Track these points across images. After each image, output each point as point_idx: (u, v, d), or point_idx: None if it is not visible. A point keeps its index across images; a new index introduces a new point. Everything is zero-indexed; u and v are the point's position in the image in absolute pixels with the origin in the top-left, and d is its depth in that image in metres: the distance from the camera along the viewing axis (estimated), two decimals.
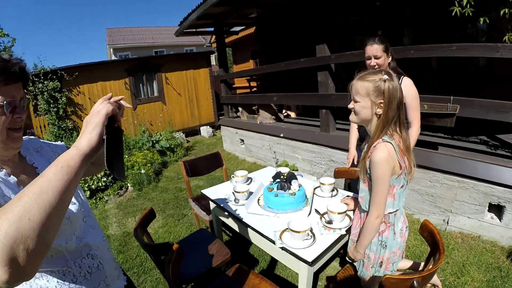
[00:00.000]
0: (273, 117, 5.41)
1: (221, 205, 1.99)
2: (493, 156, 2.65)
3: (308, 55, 4.14)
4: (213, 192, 2.25)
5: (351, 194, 1.99)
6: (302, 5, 5.84)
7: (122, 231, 3.33)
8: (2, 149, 0.78)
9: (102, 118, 0.71)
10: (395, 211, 1.32)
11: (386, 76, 1.18)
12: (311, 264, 1.31)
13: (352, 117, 1.35)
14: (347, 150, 2.55)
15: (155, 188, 4.62)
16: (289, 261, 1.49)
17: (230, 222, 2.03)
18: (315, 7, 3.83)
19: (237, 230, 1.97)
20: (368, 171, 1.27)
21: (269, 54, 8.53)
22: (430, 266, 1.46)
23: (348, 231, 1.56)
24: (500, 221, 2.46)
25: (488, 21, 2.43)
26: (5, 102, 0.73)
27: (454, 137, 3.37)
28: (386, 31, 5.50)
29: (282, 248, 1.42)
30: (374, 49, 1.97)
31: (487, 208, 2.52)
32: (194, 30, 7.10)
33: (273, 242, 1.48)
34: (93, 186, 4.23)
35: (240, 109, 6.24)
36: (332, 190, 2.05)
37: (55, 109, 6.21)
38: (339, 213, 1.55)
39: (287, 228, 1.48)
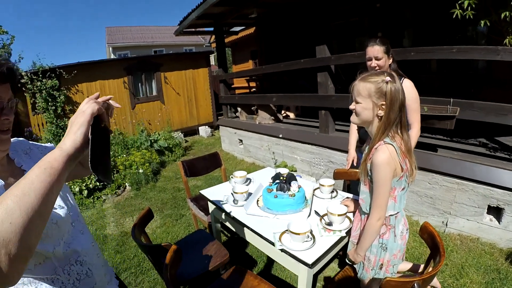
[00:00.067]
0: (272, 117, 5.40)
1: (220, 206, 1.98)
2: (493, 159, 2.65)
3: (308, 56, 4.14)
4: (212, 193, 2.24)
5: (350, 195, 1.98)
6: (302, 6, 5.84)
7: (119, 230, 3.31)
8: None
9: (87, 117, 0.69)
10: (396, 214, 1.31)
11: (388, 78, 1.17)
12: (311, 266, 1.30)
13: (353, 118, 1.34)
14: (346, 151, 2.54)
15: (153, 187, 4.60)
16: (289, 263, 1.48)
17: (228, 223, 2.02)
18: (315, 8, 3.83)
19: (236, 231, 1.96)
20: (369, 173, 1.26)
21: (269, 55, 8.53)
22: (430, 269, 1.45)
23: (348, 233, 1.55)
24: (499, 223, 2.46)
25: (488, 24, 2.43)
26: None
27: (453, 139, 3.37)
28: (386, 32, 5.51)
29: (282, 250, 1.41)
30: (375, 50, 1.97)
31: (486, 210, 2.52)
32: (193, 29, 7.09)
33: (273, 244, 1.47)
34: (90, 185, 4.20)
35: (239, 109, 6.23)
36: (332, 192, 2.04)
37: (53, 107, 6.17)
38: (339, 215, 1.54)
39: (286, 230, 1.47)
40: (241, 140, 5.91)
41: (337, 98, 3.71)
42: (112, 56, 21.87)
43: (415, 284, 1.13)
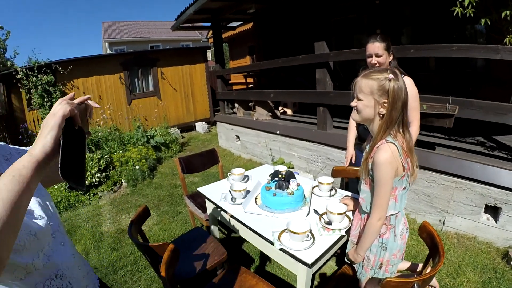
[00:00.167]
0: (270, 114, 5.38)
1: (218, 204, 1.95)
2: (490, 158, 2.65)
3: (306, 52, 4.11)
4: (209, 190, 2.21)
5: (350, 194, 1.97)
6: (301, 2, 5.80)
7: (116, 228, 3.28)
8: None
9: (58, 120, 0.65)
10: (396, 213, 1.30)
11: (391, 75, 1.15)
12: (311, 266, 1.28)
13: (354, 115, 1.32)
14: (344, 149, 2.53)
15: (149, 184, 4.57)
16: (287, 262, 1.47)
17: (226, 221, 1.99)
18: (314, 4, 3.79)
19: (234, 230, 1.94)
20: (371, 172, 1.24)
21: (267, 51, 8.47)
22: (429, 269, 1.45)
23: (348, 232, 1.54)
24: (496, 222, 2.47)
25: (489, 22, 2.42)
26: None
27: (451, 138, 3.37)
28: (384, 30, 5.49)
29: (281, 250, 1.40)
30: (376, 47, 1.94)
31: (483, 209, 2.53)
32: (190, 25, 7.01)
33: (272, 243, 1.45)
34: (86, 182, 4.16)
35: (236, 105, 6.19)
36: (331, 190, 2.03)
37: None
38: (338, 214, 1.53)
39: (286, 229, 1.45)
40: (238, 136, 5.89)
41: (336, 94, 3.69)
42: (109, 51, 21.64)
43: (415, 285, 1.12)
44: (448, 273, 2.23)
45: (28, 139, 5.62)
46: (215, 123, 7.29)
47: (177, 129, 7.55)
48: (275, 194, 1.78)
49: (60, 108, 0.67)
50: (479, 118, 2.50)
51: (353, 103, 1.30)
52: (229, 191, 2.00)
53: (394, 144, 1.17)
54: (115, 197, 4.21)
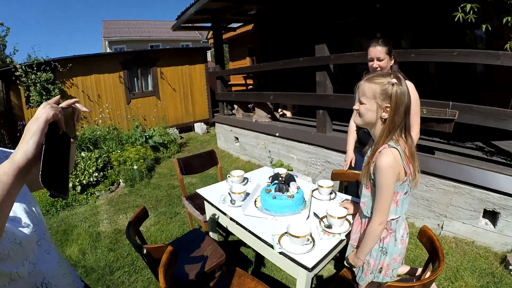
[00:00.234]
0: (269, 116, 5.37)
1: (217, 206, 1.94)
2: (489, 163, 2.66)
3: (306, 54, 4.11)
4: (208, 192, 2.20)
5: (349, 197, 1.96)
6: (302, 4, 5.81)
7: (113, 228, 3.26)
8: None
9: (40, 125, 0.64)
10: (397, 218, 1.29)
11: (395, 80, 1.15)
12: (311, 270, 1.28)
13: (356, 118, 1.32)
14: (343, 152, 2.53)
15: (147, 184, 4.55)
16: (287, 266, 1.46)
17: (225, 223, 1.98)
18: (315, 7, 3.79)
19: (233, 232, 1.93)
20: (372, 177, 1.24)
21: (267, 52, 8.48)
22: (428, 273, 1.44)
23: (347, 236, 1.54)
24: (494, 227, 2.47)
25: (490, 28, 2.43)
26: None
27: (450, 142, 3.38)
28: (385, 33, 5.50)
29: (281, 253, 1.39)
30: (377, 51, 1.94)
31: (482, 214, 2.53)
32: (191, 25, 7.01)
33: (271, 246, 1.44)
34: (84, 181, 4.14)
35: (235, 106, 6.18)
36: (331, 193, 2.02)
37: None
38: (339, 218, 1.52)
39: (286, 232, 1.44)
40: (237, 138, 5.88)
41: (335, 97, 3.70)
42: (108, 50, 21.60)
43: None
44: (446, 277, 2.23)
45: None
46: (214, 124, 7.28)
47: (175, 130, 7.54)
48: (275, 197, 1.77)
49: (43, 113, 0.65)
50: (479, 123, 2.50)
51: (355, 107, 1.30)
52: (229, 193, 1.98)
53: (397, 148, 1.17)
54: (113, 197, 4.18)
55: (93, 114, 6.78)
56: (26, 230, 0.78)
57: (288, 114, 5.98)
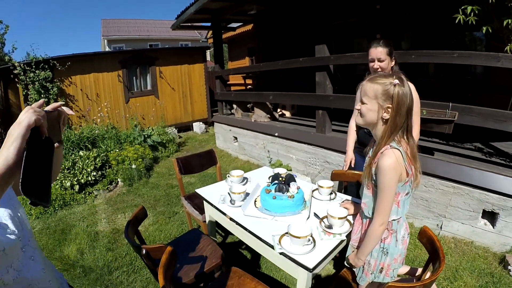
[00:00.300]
0: (268, 115, 5.37)
1: (217, 206, 1.94)
2: (488, 164, 2.66)
3: (306, 55, 4.11)
4: (208, 192, 2.19)
5: (349, 197, 1.96)
6: (303, 5, 5.80)
7: (111, 227, 3.24)
8: None
9: (22, 130, 0.61)
10: (398, 218, 1.29)
11: (397, 81, 1.15)
12: (312, 270, 1.27)
13: (357, 118, 1.32)
14: (342, 152, 2.53)
15: (145, 184, 4.53)
16: (287, 266, 1.45)
17: (225, 223, 1.98)
18: (315, 7, 3.79)
19: (233, 232, 1.92)
20: (374, 178, 1.24)
21: (266, 52, 8.48)
22: (429, 273, 1.44)
23: (348, 236, 1.53)
24: (493, 227, 2.48)
25: (490, 30, 2.43)
26: None
27: (449, 143, 3.39)
28: (385, 34, 5.51)
29: (282, 254, 1.38)
30: (378, 52, 1.94)
31: (481, 215, 2.54)
32: (190, 24, 7.00)
33: (271, 246, 1.44)
34: (82, 180, 4.12)
35: (234, 106, 6.18)
36: (331, 193, 2.02)
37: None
38: (339, 218, 1.52)
39: (286, 233, 1.44)
40: (236, 138, 5.87)
41: (335, 98, 3.70)
42: (107, 49, 21.55)
43: None
44: (445, 277, 2.23)
45: None
46: (212, 124, 7.27)
47: (174, 129, 7.52)
48: (275, 197, 1.76)
49: (25, 118, 0.63)
50: (478, 125, 2.51)
51: (357, 106, 1.30)
52: (228, 193, 1.98)
53: (399, 149, 1.17)
54: (111, 196, 4.16)
55: (92, 113, 6.75)
56: (11, 237, 0.75)
57: (287, 114, 5.98)
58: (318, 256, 1.34)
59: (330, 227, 1.57)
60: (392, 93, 1.16)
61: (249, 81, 9.43)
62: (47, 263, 0.91)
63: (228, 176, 2.32)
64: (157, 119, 7.61)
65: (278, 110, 6.04)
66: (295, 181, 1.91)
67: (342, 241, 1.50)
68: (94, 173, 4.29)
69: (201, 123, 8.48)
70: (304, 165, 4.28)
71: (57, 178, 4.00)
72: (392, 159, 1.14)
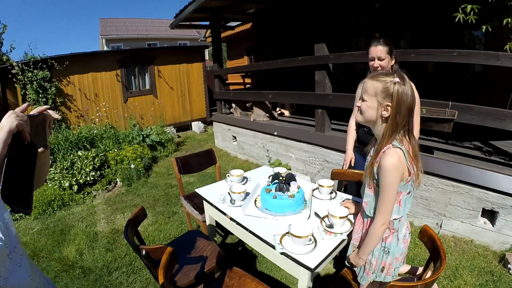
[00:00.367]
0: (267, 115, 5.36)
1: (216, 206, 1.93)
2: (488, 162, 2.67)
3: (305, 54, 4.10)
4: (207, 192, 2.18)
5: (350, 197, 1.96)
6: (302, 4, 5.79)
7: (110, 228, 3.23)
8: None
9: (3, 135, 0.61)
10: (399, 218, 1.29)
11: (397, 79, 1.14)
12: (313, 270, 1.27)
13: (357, 115, 1.31)
14: (342, 151, 2.52)
15: (144, 183, 4.52)
16: (288, 266, 1.45)
17: (225, 223, 1.97)
18: (314, 6, 3.78)
19: (233, 232, 1.92)
20: (376, 177, 1.23)
21: (265, 51, 8.46)
22: (429, 273, 1.44)
23: (349, 235, 1.53)
24: (493, 226, 2.48)
25: (490, 29, 2.43)
26: None
27: (448, 142, 3.39)
28: (384, 33, 5.51)
29: (283, 253, 1.38)
30: (379, 51, 1.94)
31: (481, 213, 2.54)
32: (189, 23, 6.98)
33: (272, 246, 1.43)
34: (81, 181, 4.10)
35: (233, 105, 6.17)
36: (331, 193, 2.01)
37: (44, 99, 6.01)
38: (340, 218, 1.52)
39: (287, 232, 1.43)
40: (235, 137, 5.86)
41: (334, 97, 3.69)
42: (105, 48, 21.47)
43: None
44: (445, 275, 2.23)
45: None
46: (211, 123, 7.25)
47: (173, 128, 7.50)
48: (276, 197, 1.76)
49: (7, 123, 0.62)
50: (478, 124, 2.51)
51: (357, 103, 1.29)
52: (228, 193, 1.97)
53: (401, 149, 1.16)
54: (110, 196, 4.15)
55: (90, 113, 6.72)
56: None
57: (286, 113, 5.97)
58: (319, 256, 1.33)
59: (331, 226, 1.56)
60: (392, 91, 1.15)
61: (248, 80, 9.42)
62: (34, 269, 0.89)
63: (228, 176, 2.31)
64: (155, 119, 7.59)
65: (277, 109, 6.03)
66: (295, 180, 1.91)
67: (343, 241, 1.50)
68: (93, 173, 4.27)
69: (200, 122, 8.46)
70: (304, 164, 4.28)
71: (56, 178, 3.98)
72: (394, 158, 1.14)
